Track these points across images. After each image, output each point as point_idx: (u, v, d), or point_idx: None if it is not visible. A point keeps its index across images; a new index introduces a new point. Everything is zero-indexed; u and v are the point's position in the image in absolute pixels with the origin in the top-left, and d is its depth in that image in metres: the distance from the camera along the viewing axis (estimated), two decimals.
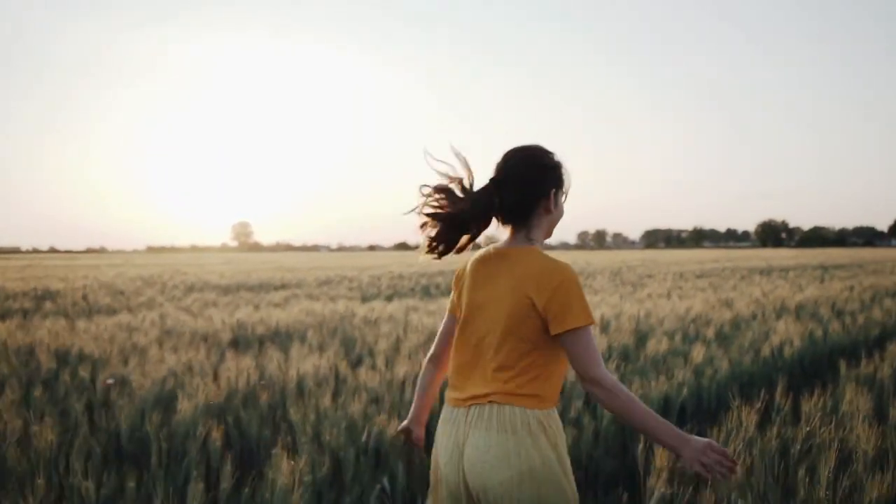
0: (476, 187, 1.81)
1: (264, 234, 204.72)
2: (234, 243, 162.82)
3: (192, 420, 3.49)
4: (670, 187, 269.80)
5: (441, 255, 1.83)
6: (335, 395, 3.88)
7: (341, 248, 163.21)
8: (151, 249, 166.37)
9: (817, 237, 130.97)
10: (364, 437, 3.19)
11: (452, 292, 1.98)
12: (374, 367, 4.57)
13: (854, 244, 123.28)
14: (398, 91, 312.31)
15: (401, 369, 4.38)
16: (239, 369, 4.40)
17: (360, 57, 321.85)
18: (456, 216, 1.78)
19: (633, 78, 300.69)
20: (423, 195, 1.79)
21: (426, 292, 13.01)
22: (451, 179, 1.79)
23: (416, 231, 1.83)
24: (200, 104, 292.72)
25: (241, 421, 3.73)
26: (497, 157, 1.85)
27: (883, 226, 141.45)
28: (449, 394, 1.87)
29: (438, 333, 2.02)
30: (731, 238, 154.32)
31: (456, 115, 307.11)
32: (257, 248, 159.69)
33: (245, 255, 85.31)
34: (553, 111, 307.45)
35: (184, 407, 3.58)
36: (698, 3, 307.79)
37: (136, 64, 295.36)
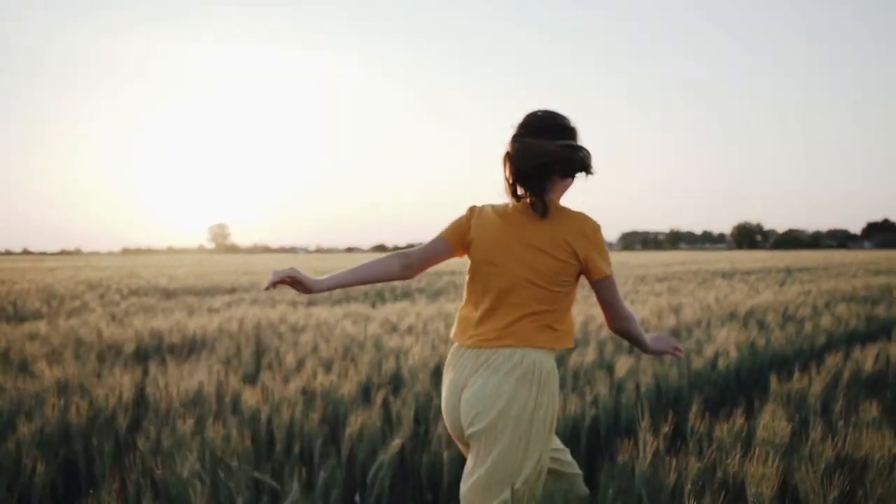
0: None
1: (242, 236, 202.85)
2: (211, 245, 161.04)
3: (25, 449, 3.04)
4: (648, 189, 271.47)
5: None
6: (201, 417, 3.45)
7: (319, 250, 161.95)
8: (127, 251, 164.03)
9: (792, 239, 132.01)
10: (197, 469, 2.75)
11: (459, 223, 2.02)
12: (265, 384, 4.15)
13: (828, 246, 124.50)
14: (379, 93, 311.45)
15: (293, 386, 3.98)
16: (112, 386, 3.96)
17: (340, 58, 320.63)
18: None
19: (612, 79, 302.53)
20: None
21: (380, 297, 12.57)
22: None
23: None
24: (179, 107, 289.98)
25: (92, 448, 3.29)
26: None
27: (856, 228, 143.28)
28: (462, 336, 1.95)
29: (424, 247, 2.03)
30: (708, 240, 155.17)
31: (436, 117, 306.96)
32: (234, 249, 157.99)
33: (219, 257, 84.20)
34: None
35: (21, 432, 3.13)
36: (680, 6, 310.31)
37: (119, 68, 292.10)
